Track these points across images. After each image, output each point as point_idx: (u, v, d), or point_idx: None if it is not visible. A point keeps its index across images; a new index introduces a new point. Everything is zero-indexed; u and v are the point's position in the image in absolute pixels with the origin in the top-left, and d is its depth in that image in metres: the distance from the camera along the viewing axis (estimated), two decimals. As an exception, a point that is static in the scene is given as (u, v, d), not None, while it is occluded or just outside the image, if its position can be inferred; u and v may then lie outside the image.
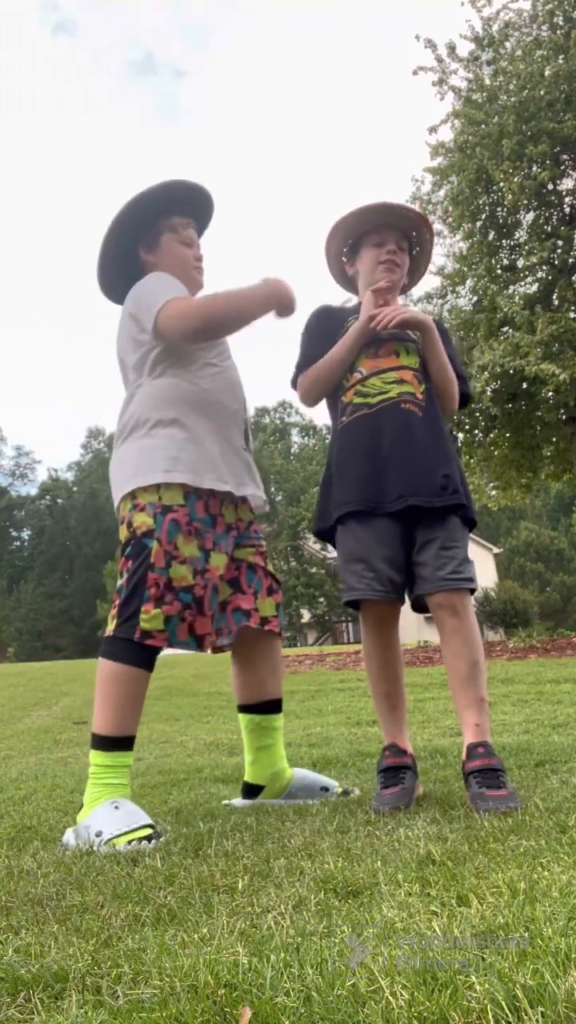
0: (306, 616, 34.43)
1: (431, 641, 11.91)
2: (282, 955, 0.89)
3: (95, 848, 1.67)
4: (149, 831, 1.72)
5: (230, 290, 2.01)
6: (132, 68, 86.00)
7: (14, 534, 52.80)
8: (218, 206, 2.31)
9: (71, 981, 0.88)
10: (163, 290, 2.02)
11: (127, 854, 1.56)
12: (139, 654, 1.89)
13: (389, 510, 2.01)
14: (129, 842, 1.68)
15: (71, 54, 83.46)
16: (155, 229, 2.16)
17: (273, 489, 35.19)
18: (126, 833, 1.71)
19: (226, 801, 2.21)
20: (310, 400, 2.26)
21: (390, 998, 0.76)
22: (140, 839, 1.69)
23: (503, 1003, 0.73)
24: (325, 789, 2.21)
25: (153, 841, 1.68)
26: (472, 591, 2.02)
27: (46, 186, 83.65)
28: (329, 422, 2.32)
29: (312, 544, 33.79)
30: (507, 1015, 0.72)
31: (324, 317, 2.27)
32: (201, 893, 1.21)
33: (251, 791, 2.19)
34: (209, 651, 2.06)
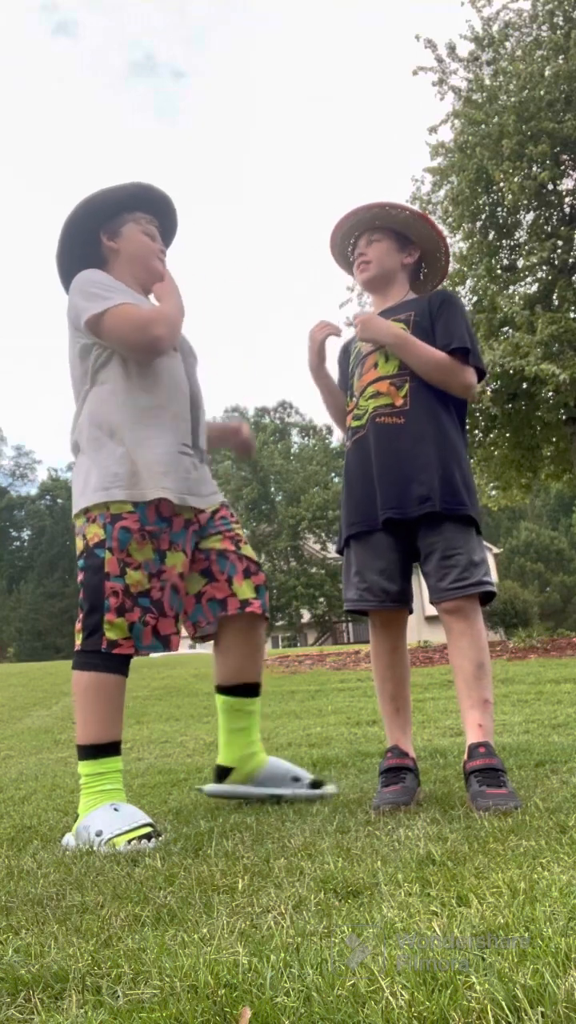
0: (306, 616, 34.41)
1: (431, 641, 11.90)
2: (282, 955, 0.89)
3: (95, 848, 1.67)
4: (148, 829, 1.72)
5: (170, 293, 2.09)
6: (132, 69, 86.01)
7: (14, 534, 52.80)
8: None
9: (71, 981, 0.88)
10: (100, 289, 1.99)
11: (127, 854, 1.56)
12: (111, 661, 1.90)
13: (378, 525, 2.05)
14: (129, 841, 1.68)
15: (71, 54, 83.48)
16: (119, 219, 2.17)
17: (273, 489, 35.15)
18: (126, 832, 1.71)
19: (198, 787, 2.19)
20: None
21: (390, 998, 0.76)
22: (140, 838, 1.69)
23: (503, 1003, 0.73)
24: (296, 779, 2.16)
25: (153, 840, 1.68)
26: (487, 595, 2.00)
27: (46, 187, 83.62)
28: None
29: (312, 544, 33.79)
30: (507, 1015, 0.72)
31: (341, 350, 2.39)
32: (201, 893, 1.21)
33: (221, 774, 2.17)
34: (188, 644, 2.08)
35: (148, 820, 1.77)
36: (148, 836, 1.70)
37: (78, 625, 1.95)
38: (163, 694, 7.63)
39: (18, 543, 52.80)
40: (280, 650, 19.74)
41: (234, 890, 1.22)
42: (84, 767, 1.88)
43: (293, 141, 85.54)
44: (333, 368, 2.36)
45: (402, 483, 2.02)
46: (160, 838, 1.69)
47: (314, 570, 33.45)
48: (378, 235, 2.26)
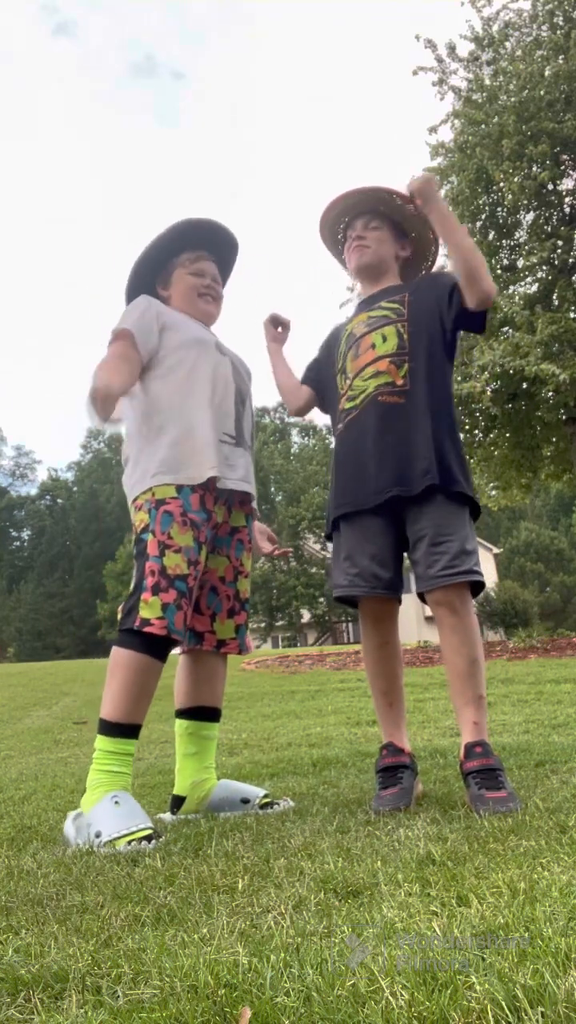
0: (306, 616, 34.42)
1: (431, 641, 11.90)
2: (282, 955, 0.88)
3: (94, 849, 1.67)
4: (148, 832, 1.72)
5: (104, 368, 1.98)
6: (132, 69, 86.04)
7: (14, 534, 52.82)
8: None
9: (71, 981, 0.88)
10: (124, 316, 2.13)
11: (127, 854, 1.56)
12: (147, 643, 1.91)
13: (372, 505, 2.01)
14: (128, 843, 1.68)
15: (71, 54, 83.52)
16: (169, 267, 2.30)
17: (273, 489, 35.17)
18: (124, 836, 1.71)
19: (157, 815, 2.13)
20: (290, 410, 2.42)
21: (390, 998, 0.76)
22: (139, 839, 1.69)
23: (503, 1003, 0.73)
24: (245, 801, 2.12)
25: (153, 842, 1.68)
26: (477, 585, 1.97)
27: (46, 188, 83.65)
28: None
29: (312, 544, 33.78)
30: (507, 1015, 0.72)
31: (328, 335, 2.37)
32: (201, 893, 1.21)
33: (176, 803, 2.15)
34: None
35: (148, 822, 1.76)
36: (148, 838, 1.69)
37: (121, 606, 2.01)
38: (163, 694, 7.61)
39: (18, 543, 52.82)
40: (280, 650, 19.73)
41: (234, 890, 1.22)
42: (99, 741, 1.92)
43: (293, 141, 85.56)
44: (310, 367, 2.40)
45: (405, 461, 1.99)
46: (160, 839, 1.69)
47: (314, 570, 33.45)
48: (377, 222, 2.24)
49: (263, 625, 34.03)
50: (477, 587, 1.98)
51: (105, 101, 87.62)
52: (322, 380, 2.30)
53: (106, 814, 1.77)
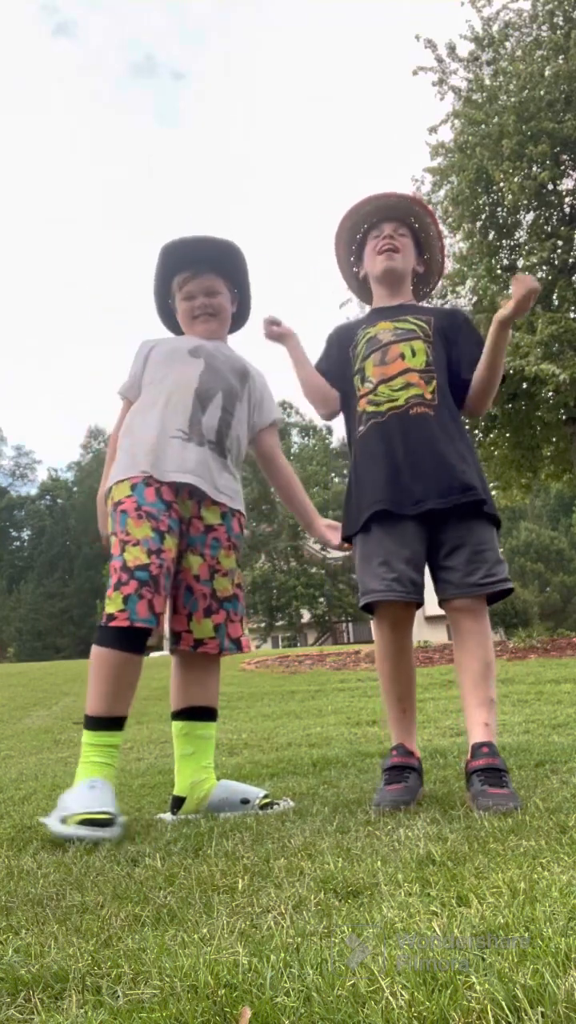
0: (306, 616, 34.39)
1: (431, 641, 11.90)
2: (282, 955, 0.88)
3: (49, 825, 1.74)
4: (106, 817, 1.76)
5: (109, 468, 2.26)
6: (132, 69, 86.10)
7: (14, 534, 52.84)
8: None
9: (71, 981, 0.88)
10: (126, 379, 2.35)
11: (127, 855, 1.56)
12: (116, 637, 1.94)
13: (409, 513, 2.01)
14: (81, 822, 1.73)
15: (71, 54, 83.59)
16: (172, 297, 2.41)
17: (273, 489, 35.13)
18: (85, 813, 1.75)
19: (158, 815, 2.13)
20: (324, 415, 2.37)
21: (390, 998, 0.76)
22: (93, 823, 1.73)
23: (503, 1003, 0.73)
24: (245, 801, 2.11)
25: (107, 829, 1.73)
26: (509, 591, 2.01)
27: (46, 188, 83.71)
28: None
29: (312, 544, 33.75)
30: (507, 1015, 0.72)
31: (337, 333, 2.36)
32: (201, 893, 1.21)
33: (176, 803, 2.15)
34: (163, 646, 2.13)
35: (111, 809, 1.80)
36: (103, 823, 1.74)
37: None
38: (163, 694, 7.62)
39: (18, 543, 52.84)
40: (280, 650, 19.73)
41: (234, 890, 1.22)
42: (83, 736, 1.97)
43: (293, 141, 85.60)
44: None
45: (441, 472, 2.01)
46: (115, 829, 1.75)
47: (314, 570, 33.42)
48: (404, 230, 2.26)
49: (263, 625, 34.00)
50: (496, 596, 2.03)
51: (105, 101, 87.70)
52: (344, 382, 2.26)
53: (79, 795, 1.82)
